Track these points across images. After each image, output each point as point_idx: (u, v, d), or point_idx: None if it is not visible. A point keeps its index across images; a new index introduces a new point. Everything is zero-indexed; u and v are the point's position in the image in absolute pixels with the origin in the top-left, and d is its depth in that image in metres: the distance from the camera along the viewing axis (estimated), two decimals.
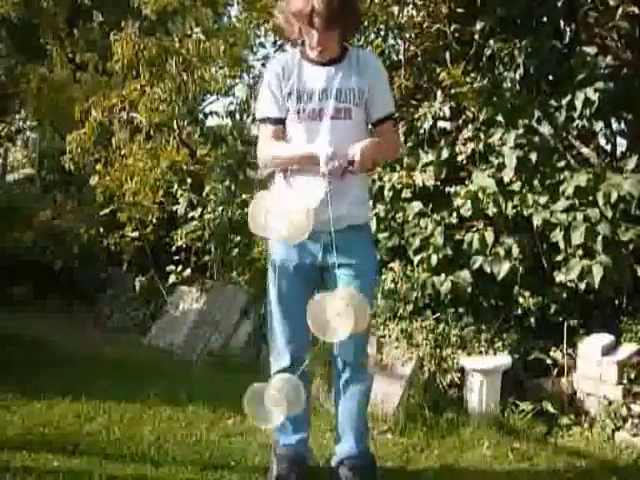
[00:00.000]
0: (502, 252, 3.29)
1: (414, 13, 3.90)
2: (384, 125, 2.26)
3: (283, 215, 1.95)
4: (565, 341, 3.19)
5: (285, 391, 2.09)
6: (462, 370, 3.17)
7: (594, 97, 3.21)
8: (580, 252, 3.14)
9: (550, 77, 3.60)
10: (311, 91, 2.18)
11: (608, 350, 3.05)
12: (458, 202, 3.45)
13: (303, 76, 2.20)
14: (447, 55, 3.76)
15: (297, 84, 2.19)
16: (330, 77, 2.19)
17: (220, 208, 4.50)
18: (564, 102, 3.34)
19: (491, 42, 3.57)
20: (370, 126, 2.29)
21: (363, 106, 2.21)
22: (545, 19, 3.65)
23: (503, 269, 3.27)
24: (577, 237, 3.06)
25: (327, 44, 2.15)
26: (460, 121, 3.75)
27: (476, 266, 3.34)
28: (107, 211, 5.01)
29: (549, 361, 3.19)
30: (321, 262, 2.25)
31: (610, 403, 2.94)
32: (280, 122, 2.23)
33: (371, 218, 2.49)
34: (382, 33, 4.11)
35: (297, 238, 2.00)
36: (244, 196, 4.51)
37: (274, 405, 2.08)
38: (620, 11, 3.30)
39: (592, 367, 3.04)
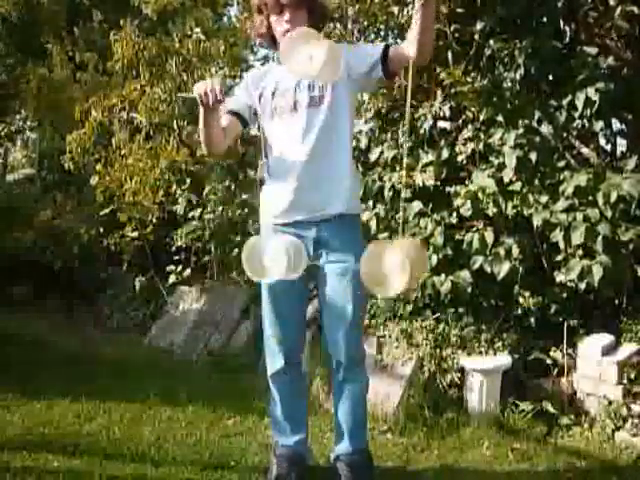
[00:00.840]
0: (502, 252, 3.29)
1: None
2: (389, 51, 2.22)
3: (277, 254, 2.05)
4: (565, 341, 3.19)
5: (287, 247, 2.08)
6: (462, 370, 3.17)
7: (595, 97, 3.20)
8: (580, 252, 3.14)
9: (550, 77, 3.59)
10: (285, 88, 2.25)
11: (608, 350, 3.05)
12: (458, 202, 3.45)
13: (276, 77, 2.29)
14: (447, 55, 3.75)
15: (271, 85, 2.28)
16: None
17: (220, 208, 4.51)
18: (564, 102, 3.33)
19: (491, 42, 3.55)
20: (381, 73, 2.22)
21: (343, 81, 2.19)
22: (545, 19, 3.64)
23: (503, 269, 3.27)
24: (577, 237, 3.05)
25: (296, 28, 2.17)
26: (460, 121, 3.75)
27: (476, 266, 3.33)
28: (107, 211, 5.00)
29: (549, 361, 3.19)
30: (312, 258, 2.26)
31: (610, 403, 2.94)
32: (233, 114, 2.31)
33: (362, 210, 2.49)
34: (382, 33, 4.10)
35: (294, 273, 2.08)
36: (244, 196, 4.51)
37: (272, 260, 2.07)
38: (619, 10, 3.30)
39: (592, 367, 3.04)
